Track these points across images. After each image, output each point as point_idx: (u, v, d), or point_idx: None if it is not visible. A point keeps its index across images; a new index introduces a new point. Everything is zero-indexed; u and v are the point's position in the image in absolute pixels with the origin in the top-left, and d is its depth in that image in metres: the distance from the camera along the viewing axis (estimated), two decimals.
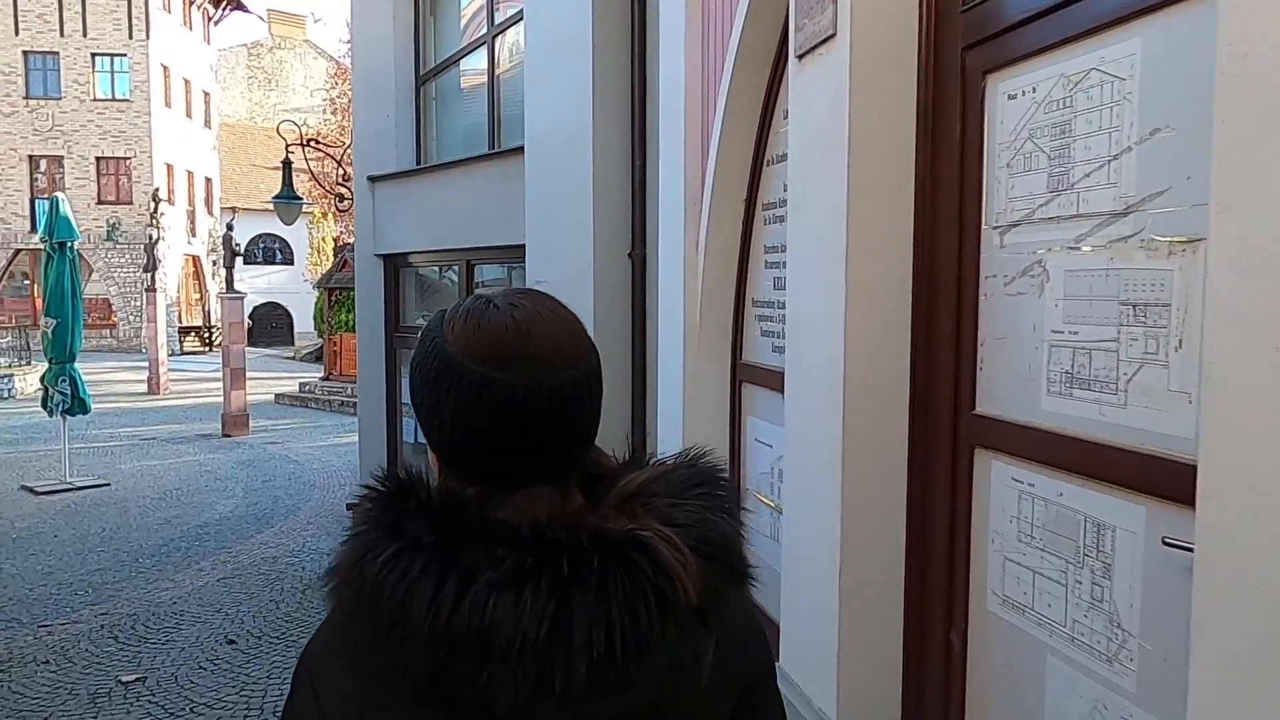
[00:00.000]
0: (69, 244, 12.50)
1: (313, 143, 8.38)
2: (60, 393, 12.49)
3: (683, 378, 4.42)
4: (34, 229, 31.49)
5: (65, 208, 12.53)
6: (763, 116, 4.03)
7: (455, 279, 7.27)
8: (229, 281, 17.23)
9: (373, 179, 7.69)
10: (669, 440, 4.65)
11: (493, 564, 0.87)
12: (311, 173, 8.40)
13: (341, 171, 7.96)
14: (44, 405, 12.64)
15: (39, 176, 31.70)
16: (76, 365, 12.84)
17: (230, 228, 17.43)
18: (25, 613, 6.69)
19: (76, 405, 12.60)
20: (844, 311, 2.68)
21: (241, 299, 17.27)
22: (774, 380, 3.91)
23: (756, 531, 4.23)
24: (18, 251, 31.35)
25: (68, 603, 6.96)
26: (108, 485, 12.59)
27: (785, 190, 3.81)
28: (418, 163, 7.32)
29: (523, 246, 6.03)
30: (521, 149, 6.03)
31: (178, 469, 13.66)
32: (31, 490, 12.08)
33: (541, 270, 5.88)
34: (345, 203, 7.94)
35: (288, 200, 8.56)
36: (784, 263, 3.79)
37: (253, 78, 46.98)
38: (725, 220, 4.23)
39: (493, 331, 0.94)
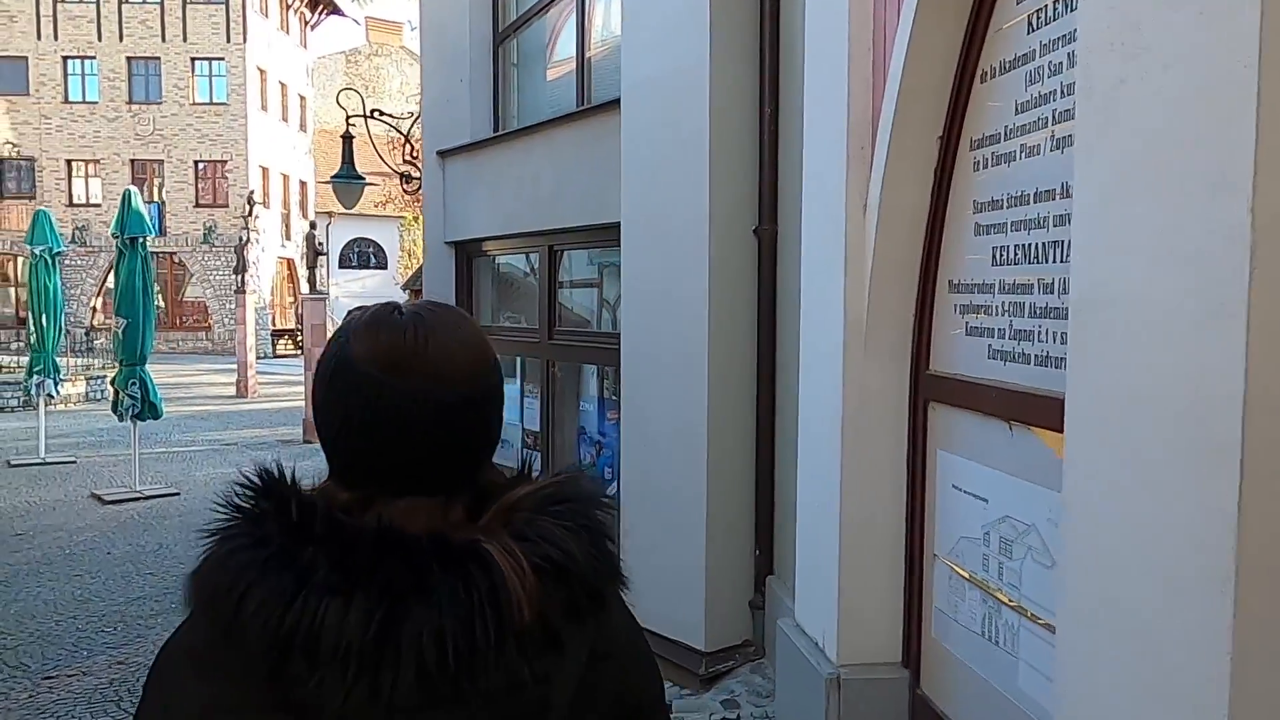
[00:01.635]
0: (141, 240, 11.88)
1: (377, 113, 7.35)
2: (130, 396, 11.86)
3: (840, 393, 3.14)
4: None
5: (137, 201, 11.90)
6: (975, 10, 2.72)
7: (535, 269, 6.13)
8: (311, 281, 16.60)
9: (442, 154, 6.61)
10: (815, 480, 3.37)
11: (331, 566, 0.85)
12: (375, 148, 7.36)
13: (410, 149, 6.89)
14: (114, 409, 12.05)
15: (139, 180, 32.13)
16: (147, 368, 12.23)
17: (313, 225, 16.79)
18: (38, 656, 5.79)
19: (147, 410, 11.99)
20: (1248, 285, 1.37)
21: (324, 299, 16.62)
22: (987, 400, 2.61)
23: (950, 619, 2.90)
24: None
25: (88, 644, 6.06)
26: (177, 494, 12.00)
27: (1018, 112, 2.48)
28: (494, 132, 6.22)
29: (617, 226, 4.84)
30: (616, 103, 4.82)
31: None
32: (99, 499, 11.47)
33: (641, 256, 4.67)
34: (413, 183, 6.86)
35: (347, 180, 7.53)
36: (1013, 224, 2.47)
37: (350, 85, 47.40)
38: (909, 170, 2.94)
39: (391, 337, 0.94)
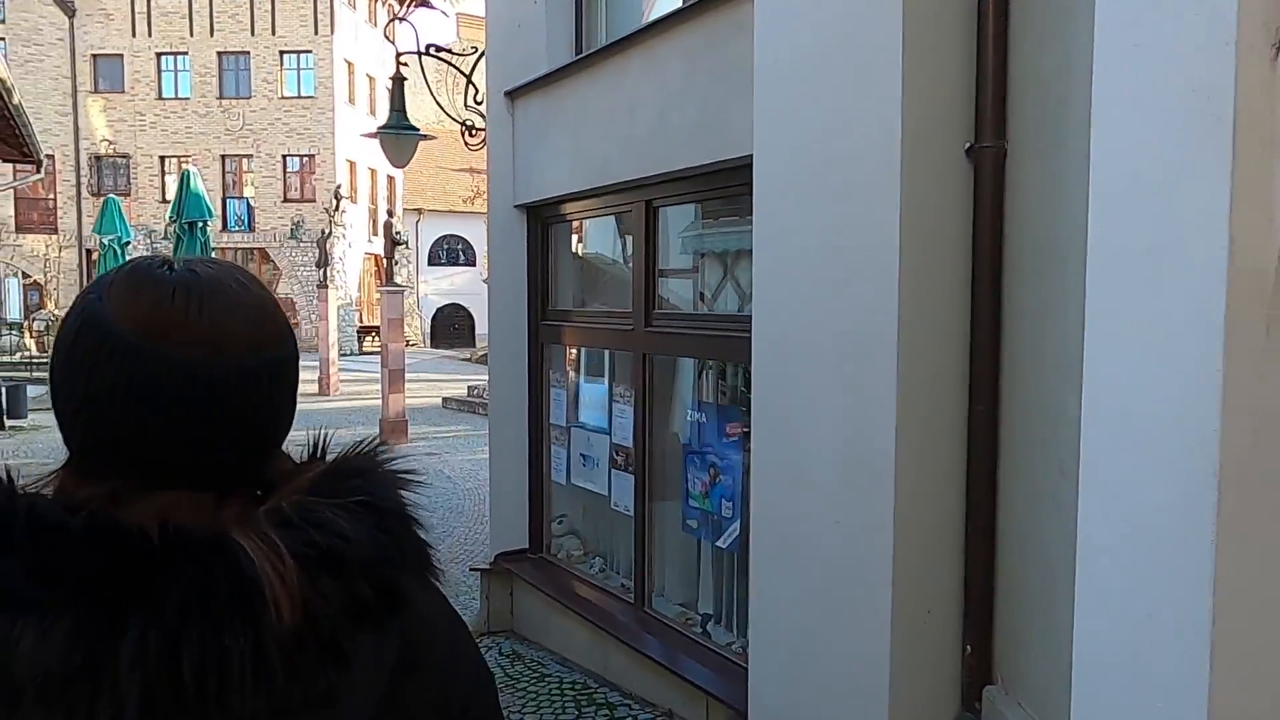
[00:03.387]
0: (201, 224, 10.96)
1: (432, 48, 6.03)
2: None
3: (1220, 404, 1.60)
4: (226, 227, 31.88)
5: (196, 183, 11.00)
6: None
7: (629, 235, 4.70)
8: (388, 274, 15.57)
9: (512, 94, 5.24)
10: (1132, 554, 1.83)
11: (29, 578, 0.70)
12: (432, 93, 6.06)
13: (474, 92, 5.54)
14: None
15: (229, 176, 32.03)
16: None
17: (390, 214, 15.76)
18: None
19: None
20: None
21: (401, 292, 15.58)
22: None
23: None
24: (210, 251, 31.70)
25: None
26: None
27: None
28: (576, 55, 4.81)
29: (744, 165, 3.39)
30: None
31: None
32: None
33: (785, 202, 3.19)
34: (476, 135, 5.51)
35: (396, 131, 6.22)
36: None
37: (440, 82, 47.32)
38: None
39: (156, 294, 0.79)
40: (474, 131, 5.72)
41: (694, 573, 4.48)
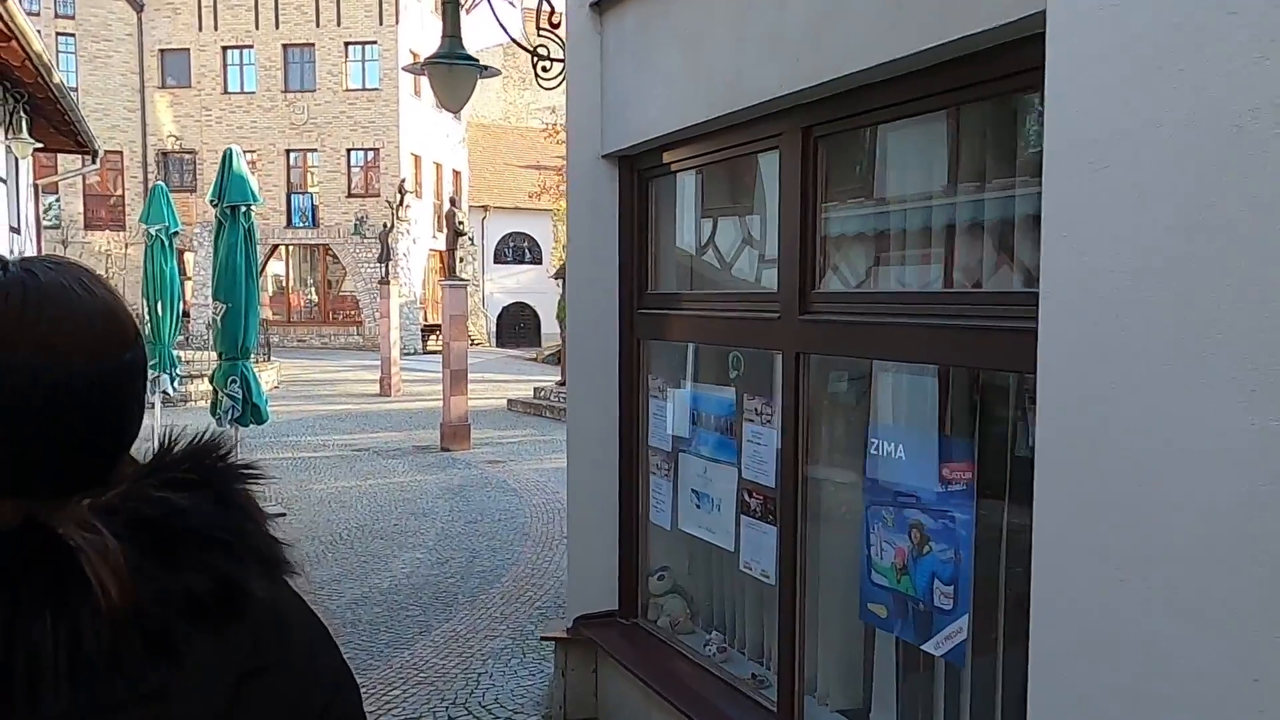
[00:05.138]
0: (244, 209, 9.85)
1: None
2: (230, 396, 9.85)
3: None
4: (290, 224, 31.28)
5: (239, 162, 9.91)
6: None
7: (771, 185, 3.28)
8: (450, 267, 14.43)
9: (599, 3, 3.89)
10: None
11: None
12: (492, 8, 4.74)
13: (549, 11, 4.18)
14: (212, 411, 10.08)
15: (293, 171, 31.42)
16: (251, 362, 10.21)
17: (453, 202, 14.61)
18: None
19: (249, 413, 9.95)
20: None
21: (464, 287, 14.46)
22: None
23: None
24: (275, 247, 31.17)
25: None
26: (283, 515, 9.95)
27: None
28: None
29: (1020, 39, 2.00)
30: None
31: (373, 495, 10.96)
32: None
33: (1118, 100, 1.78)
34: (551, 67, 4.15)
35: (449, 61, 4.85)
36: None
37: (507, 77, 46.67)
38: None
39: None
40: (549, 64, 4.37)
41: (870, 674, 3.07)
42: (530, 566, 7.86)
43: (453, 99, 4.92)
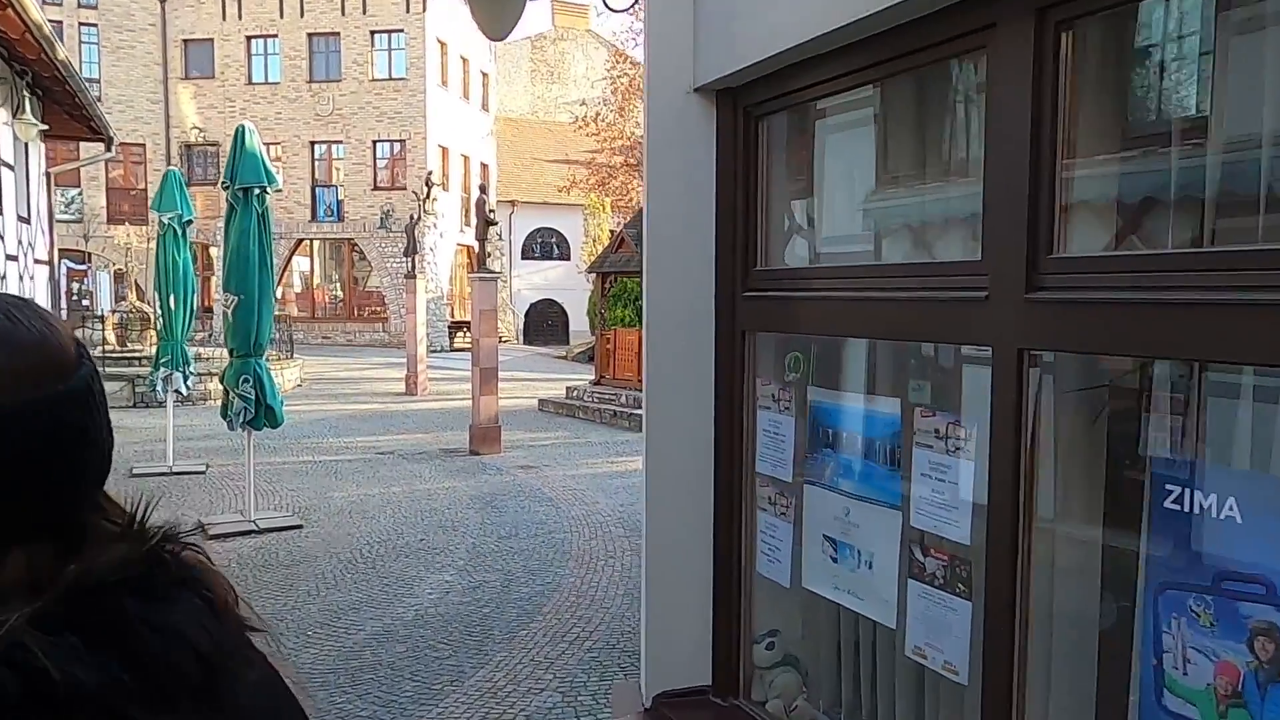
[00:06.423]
0: (257, 191, 8.95)
1: None
2: (242, 397, 8.96)
3: None
4: (315, 218, 30.55)
5: (252, 140, 8.99)
6: None
7: (973, 106, 2.26)
8: (480, 259, 13.50)
9: None
10: None
11: None
12: None
13: None
14: (223, 414, 9.21)
15: (318, 163, 30.67)
16: (265, 360, 9.32)
17: (483, 189, 13.68)
18: None
19: (263, 415, 9.06)
20: None
21: (494, 280, 13.55)
22: None
23: None
24: (300, 242, 30.44)
25: None
26: (299, 527, 9.17)
27: None
28: None
29: None
30: None
31: (397, 505, 10.09)
32: (204, 532, 8.55)
33: None
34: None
35: None
36: None
37: (535, 71, 45.98)
38: None
39: None
40: None
41: None
42: (574, 594, 6.91)
43: (497, 24, 3.94)
